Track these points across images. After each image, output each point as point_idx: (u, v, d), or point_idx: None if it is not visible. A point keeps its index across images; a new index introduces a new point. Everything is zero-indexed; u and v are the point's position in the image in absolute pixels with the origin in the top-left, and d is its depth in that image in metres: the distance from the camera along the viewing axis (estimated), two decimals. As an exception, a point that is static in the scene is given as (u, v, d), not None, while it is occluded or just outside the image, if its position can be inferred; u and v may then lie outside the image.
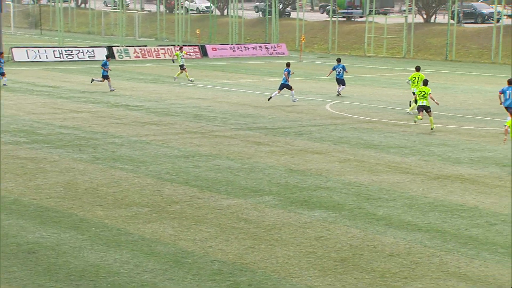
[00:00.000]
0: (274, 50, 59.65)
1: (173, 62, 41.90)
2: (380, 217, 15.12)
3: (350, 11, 64.09)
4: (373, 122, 27.18)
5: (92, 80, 36.85)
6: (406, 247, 13.28)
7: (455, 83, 41.01)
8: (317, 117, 28.19)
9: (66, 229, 14.10)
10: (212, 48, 58.49)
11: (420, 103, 25.48)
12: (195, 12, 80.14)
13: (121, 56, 53.76)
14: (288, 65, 32.34)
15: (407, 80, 29.40)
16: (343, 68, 34.55)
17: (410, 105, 29.13)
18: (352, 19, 67.41)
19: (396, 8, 78.77)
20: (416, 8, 62.27)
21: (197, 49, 57.18)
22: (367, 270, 12.19)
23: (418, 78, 28.88)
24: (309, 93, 35.45)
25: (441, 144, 22.97)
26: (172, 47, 57.10)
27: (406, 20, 57.79)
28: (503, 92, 25.57)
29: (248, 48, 59.34)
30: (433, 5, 63.67)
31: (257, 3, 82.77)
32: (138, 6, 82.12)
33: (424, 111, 25.31)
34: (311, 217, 15.09)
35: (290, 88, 31.70)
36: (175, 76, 40.27)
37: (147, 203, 16.05)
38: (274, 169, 19.40)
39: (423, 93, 25.41)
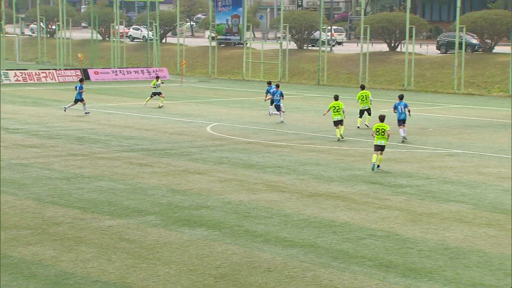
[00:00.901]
0: (156, 74, 59.80)
1: (155, 88, 39.64)
2: (258, 234, 15.69)
3: (228, 37, 65.25)
4: (252, 143, 27.90)
5: (65, 109, 36.12)
6: (283, 262, 13.85)
7: (327, 106, 42.08)
8: (198, 139, 28.68)
9: None
10: (94, 71, 58.14)
11: (335, 118, 28.28)
12: (141, 40, 78.92)
13: (0, 80, 52.69)
14: (277, 86, 34.33)
15: (356, 100, 32.10)
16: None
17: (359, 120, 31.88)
18: (232, 44, 68.62)
19: (271, 35, 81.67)
20: (290, 35, 64.16)
21: (79, 73, 56.65)
22: (246, 285, 12.67)
23: (365, 95, 31.85)
24: (191, 116, 35.93)
25: (314, 164, 23.84)
26: (54, 70, 56.41)
27: (281, 46, 59.47)
28: (395, 107, 27.93)
29: (131, 72, 59.36)
30: (306, 32, 65.83)
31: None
32: (18, 31, 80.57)
33: (340, 124, 28.40)
34: (192, 235, 15.51)
35: (279, 109, 33.47)
36: (144, 103, 39.51)
37: (27, 225, 16.04)
38: (156, 189, 19.74)
39: (337, 108, 28.22)
